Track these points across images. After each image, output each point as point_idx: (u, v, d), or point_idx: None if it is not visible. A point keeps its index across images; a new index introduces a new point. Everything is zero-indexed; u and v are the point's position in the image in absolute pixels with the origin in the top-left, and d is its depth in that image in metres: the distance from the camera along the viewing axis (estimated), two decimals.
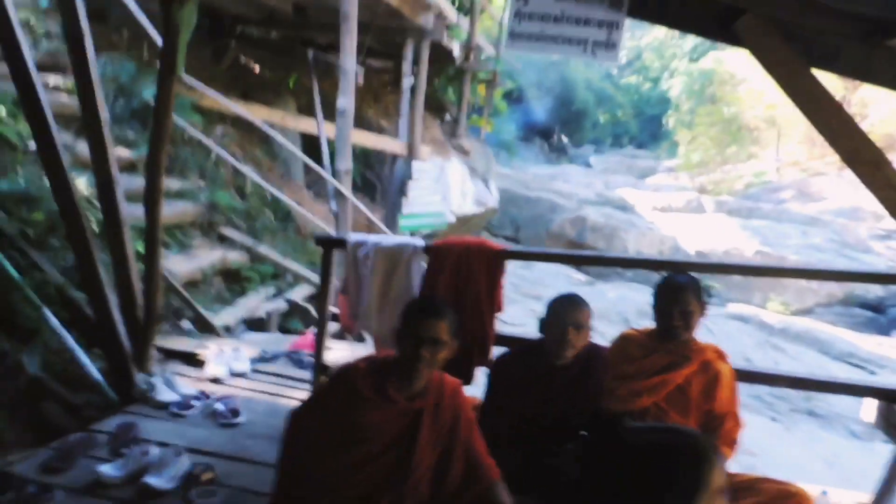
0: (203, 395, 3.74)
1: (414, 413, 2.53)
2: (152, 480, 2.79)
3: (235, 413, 3.56)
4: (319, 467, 2.50)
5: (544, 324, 2.90)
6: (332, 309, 3.78)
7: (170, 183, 5.69)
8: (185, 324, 4.86)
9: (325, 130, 7.53)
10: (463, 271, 3.31)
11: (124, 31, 6.31)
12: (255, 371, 4.28)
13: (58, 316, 3.86)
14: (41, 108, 3.54)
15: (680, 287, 2.82)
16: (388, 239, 3.38)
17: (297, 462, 2.55)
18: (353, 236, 3.39)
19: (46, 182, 4.01)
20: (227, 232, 6.00)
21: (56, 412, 3.67)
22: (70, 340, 3.81)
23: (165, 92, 3.45)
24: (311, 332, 4.92)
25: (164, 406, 3.59)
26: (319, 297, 3.49)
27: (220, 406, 3.60)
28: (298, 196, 7.54)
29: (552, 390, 2.95)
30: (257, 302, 5.61)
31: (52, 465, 2.88)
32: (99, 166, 3.74)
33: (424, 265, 3.32)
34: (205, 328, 4.86)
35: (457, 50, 9.67)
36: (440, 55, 9.59)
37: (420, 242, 3.34)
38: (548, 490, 2.79)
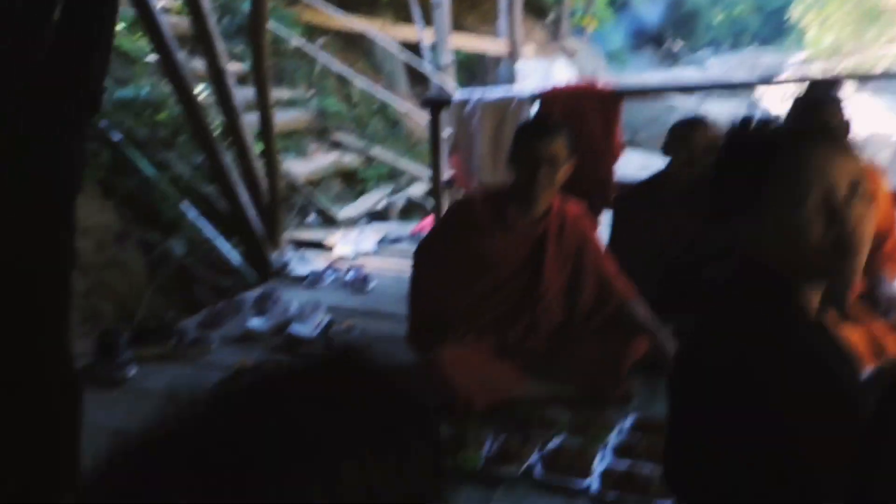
0: (334, 269, 3.91)
1: (537, 237, 2.52)
2: (297, 329, 2.97)
3: (366, 280, 3.71)
4: (449, 298, 2.56)
5: (669, 147, 2.79)
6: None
7: (279, 93, 5.85)
8: (311, 219, 5.07)
9: (425, 36, 7.47)
10: (575, 117, 3.22)
11: None
12: (380, 252, 4.42)
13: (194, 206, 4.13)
14: (157, 23, 3.72)
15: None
16: (493, 92, 3.33)
17: (428, 295, 2.62)
18: (458, 94, 3.37)
19: (166, 90, 4.30)
20: (340, 137, 6.15)
21: (205, 293, 3.96)
22: (209, 229, 4.08)
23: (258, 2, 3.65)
24: (430, 217, 5.00)
25: (299, 279, 3.80)
26: (432, 157, 3.52)
27: (351, 275, 3.76)
28: (403, 104, 7.58)
29: (682, 219, 2.84)
30: (376, 199, 5.75)
31: (206, 321, 3.13)
32: (214, 77, 3.94)
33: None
34: (329, 222, 5.06)
35: None
36: None
37: (526, 92, 3.27)
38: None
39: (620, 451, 2.08)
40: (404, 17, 8.44)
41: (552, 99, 3.22)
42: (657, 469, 1.92)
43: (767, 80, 8.94)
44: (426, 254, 2.66)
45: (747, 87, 10.24)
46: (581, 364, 2.45)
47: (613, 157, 3.23)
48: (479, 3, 9.97)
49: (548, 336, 2.54)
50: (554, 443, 2.11)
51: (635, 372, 2.45)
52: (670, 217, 2.73)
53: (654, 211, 2.81)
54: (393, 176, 6.31)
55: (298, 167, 5.41)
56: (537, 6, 10.65)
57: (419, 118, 7.53)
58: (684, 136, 2.71)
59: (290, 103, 6.02)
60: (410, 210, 5.95)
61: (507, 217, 2.48)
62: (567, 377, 2.45)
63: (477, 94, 3.29)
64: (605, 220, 3.10)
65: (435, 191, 3.56)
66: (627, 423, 2.23)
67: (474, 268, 2.53)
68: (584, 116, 3.16)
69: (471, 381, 2.31)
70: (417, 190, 6.15)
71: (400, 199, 5.77)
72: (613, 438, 2.14)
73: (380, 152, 6.26)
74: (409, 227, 5.08)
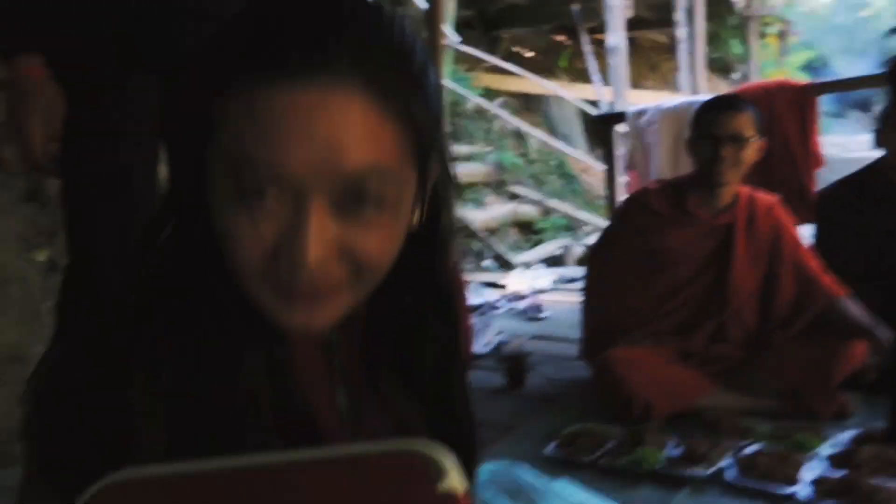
0: (508, 300, 3.84)
1: (723, 230, 2.28)
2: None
3: (539, 309, 3.59)
4: (625, 302, 2.38)
5: (881, 135, 2.44)
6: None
7: (459, 148, 6.07)
8: (487, 263, 5.08)
9: (603, 95, 7.46)
10: (765, 118, 2.95)
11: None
12: (556, 288, 4.30)
13: None
14: None
15: None
16: (670, 101, 3.17)
17: (602, 300, 2.45)
18: (633, 106, 3.25)
19: None
20: (517, 189, 6.20)
21: None
22: None
23: (436, 60, 3.89)
24: None
25: (473, 308, 3.77)
26: (607, 176, 3.39)
27: (524, 305, 3.67)
28: (581, 161, 7.53)
29: None
30: (552, 247, 5.68)
31: None
32: None
33: None
34: (504, 266, 5.04)
35: None
36: (716, 4, 8.96)
37: (707, 96, 3.07)
38: None
39: (837, 461, 1.74)
40: (582, 77, 8.52)
41: None
42: (888, 481, 1.58)
43: None
44: (599, 256, 2.51)
45: None
46: (782, 375, 2.13)
47: (813, 162, 2.90)
48: (658, 62, 9.84)
49: (740, 343, 2.25)
50: (750, 449, 1.82)
51: (851, 384, 2.08)
52: (884, 213, 2.38)
53: (866, 206, 2.45)
54: (570, 228, 6.22)
55: (475, 216, 5.51)
56: (722, 64, 10.27)
57: (598, 175, 7.44)
58: None
59: (469, 158, 6.22)
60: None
61: (688, 207, 2.28)
62: (765, 389, 2.14)
63: (653, 104, 3.15)
64: (807, 232, 2.76)
65: (610, 209, 3.41)
66: (845, 436, 1.88)
67: (651, 267, 2.33)
68: (778, 117, 2.89)
69: (649, 385, 2.08)
70: (595, 239, 6.00)
71: (577, 247, 5.63)
72: (826, 449, 1.80)
73: (556, 203, 6.22)
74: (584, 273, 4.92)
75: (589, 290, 2.48)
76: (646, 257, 2.33)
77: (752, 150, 2.17)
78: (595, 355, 2.33)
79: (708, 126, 2.17)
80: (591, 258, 2.52)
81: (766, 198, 2.30)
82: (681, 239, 2.28)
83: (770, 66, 11.23)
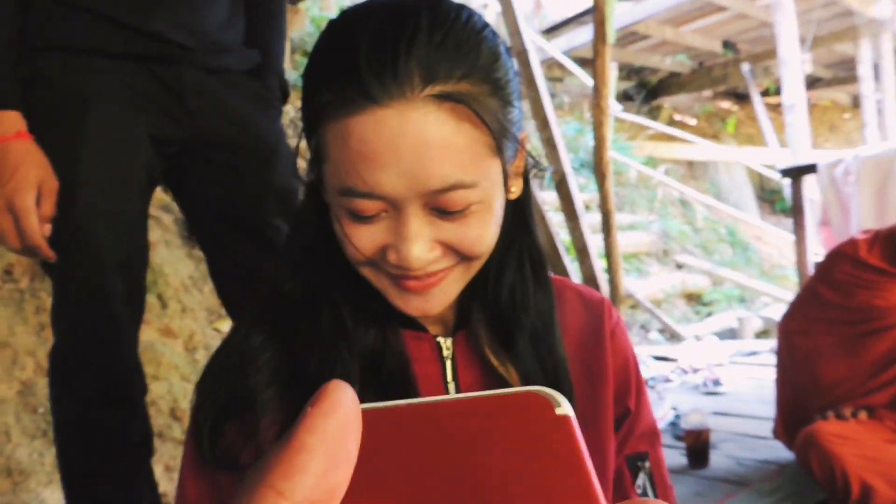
0: (682, 372, 3.54)
1: None
2: None
3: (717, 383, 3.26)
4: (832, 372, 2.07)
5: None
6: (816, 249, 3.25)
7: (621, 217, 5.87)
8: (654, 335, 4.77)
9: (781, 158, 6.98)
10: None
11: (565, 97, 7.00)
12: (734, 362, 3.91)
13: None
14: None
15: None
16: (872, 149, 2.84)
17: (802, 371, 2.16)
18: (826, 156, 2.94)
19: None
20: (684, 258, 5.86)
21: None
22: None
23: (600, 131, 3.87)
24: None
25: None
26: (797, 234, 3.07)
27: (700, 378, 3.35)
28: (753, 229, 7.02)
29: None
30: (726, 319, 5.24)
31: None
32: (565, 205, 4.21)
33: None
34: (673, 339, 4.70)
35: None
36: None
37: None
38: None
39: None
40: (751, 142, 8.07)
41: None
42: None
43: None
44: (796, 320, 2.22)
45: None
46: None
47: None
48: (838, 122, 9.12)
49: None
50: None
51: None
52: None
53: None
54: (744, 299, 5.75)
55: (640, 287, 5.24)
56: None
57: (773, 241, 6.89)
58: None
59: (631, 227, 5.99)
60: (767, 332, 5.27)
61: None
62: None
63: (850, 153, 2.84)
64: None
65: (801, 271, 3.07)
66: None
67: (862, 330, 2.02)
68: None
69: (867, 465, 1.77)
70: (776, 311, 5.47)
71: (754, 319, 5.15)
72: None
73: (728, 273, 5.78)
74: (767, 344, 4.46)
75: (784, 360, 2.20)
76: (856, 318, 2.03)
77: None
78: (794, 434, 2.04)
79: None
80: (787, 322, 2.23)
81: None
82: None
83: None
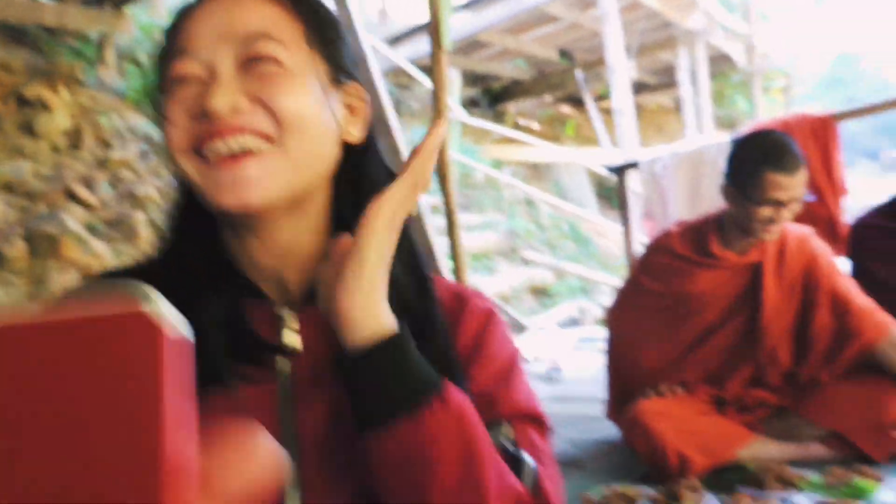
0: (524, 363, 3.67)
1: (751, 269, 2.13)
2: None
3: (558, 370, 3.42)
4: (652, 353, 2.21)
5: None
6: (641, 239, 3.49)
7: (470, 218, 6.02)
8: None
9: (612, 157, 7.45)
10: None
11: (415, 103, 7.08)
12: (577, 349, 4.12)
13: None
14: None
15: None
16: (686, 145, 3.09)
17: (627, 354, 2.29)
18: (646, 154, 3.17)
19: None
20: (530, 255, 6.10)
21: None
22: None
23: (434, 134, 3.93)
24: None
25: None
26: (624, 228, 3.27)
27: (542, 367, 3.49)
28: (594, 224, 7.45)
29: None
30: (568, 309, 5.51)
31: None
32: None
33: None
34: (519, 331, 4.87)
35: (737, 53, 9.04)
36: (718, 64, 9.07)
37: (726, 138, 2.99)
38: None
39: None
40: (589, 143, 8.55)
41: None
42: None
43: None
44: (620, 308, 2.36)
45: None
46: (829, 417, 1.95)
47: (839, 192, 2.78)
48: (664, 123, 9.89)
49: (778, 387, 2.07)
50: (801, 501, 1.62)
51: None
52: None
53: None
54: (586, 291, 6.08)
55: (488, 284, 5.38)
56: (728, 120, 10.30)
57: (611, 235, 7.34)
58: None
59: (481, 227, 6.15)
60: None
61: (712, 249, 2.13)
62: (811, 435, 1.96)
63: (667, 150, 3.06)
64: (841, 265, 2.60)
65: (629, 261, 3.28)
66: None
67: (677, 314, 2.18)
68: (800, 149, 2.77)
69: (684, 437, 1.91)
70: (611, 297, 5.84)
71: (594, 307, 5.46)
72: (886, 494, 1.60)
73: (570, 266, 6.09)
74: (603, 332, 4.74)
75: (612, 345, 2.33)
76: (671, 304, 2.18)
77: (797, 209, 2.00)
78: (622, 412, 2.16)
79: (761, 185, 1.90)
80: (613, 311, 2.37)
81: (796, 230, 2.15)
82: (706, 282, 2.13)
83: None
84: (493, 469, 0.58)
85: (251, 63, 0.61)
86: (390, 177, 0.69)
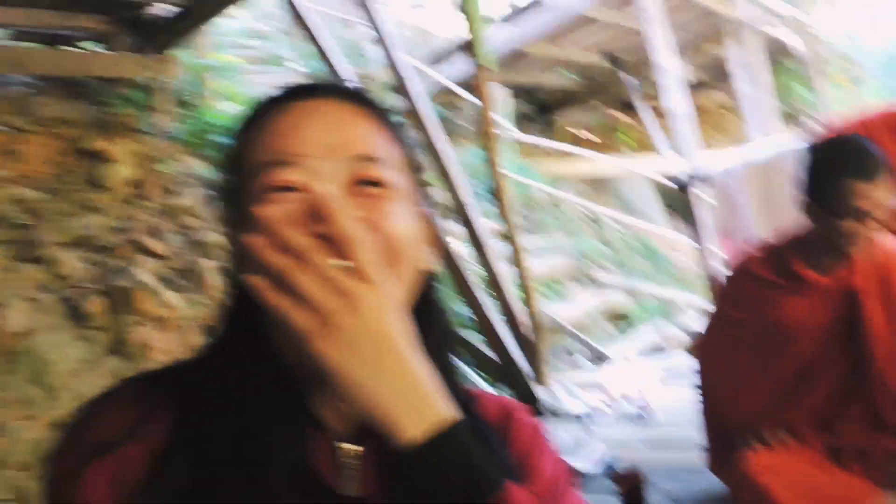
0: (611, 402, 3.47)
1: (845, 293, 1.89)
2: (574, 463, 2.56)
3: (648, 410, 3.20)
4: (749, 392, 2.01)
5: None
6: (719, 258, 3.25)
7: (535, 241, 5.84)
8: (580, 359, 4.72)
9: (674, 163, 7.15)
10: None
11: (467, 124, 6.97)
12: (663, 383, 3.88)
13: (459, 357, 4.05)
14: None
15: None
16: (756, 151, 2.86)
17: (720, 397, 2.10)
18: (713, 161, 2.96)
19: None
20: (601, 277, 5.87)
21: None
22: (473, 376, 3.96)
23: (490, 158, 3.96)
24: None
25: (571, 415, 3.41)
26: (698, 246, 3.06)
27: (631, 407, 3.29)
28: (665, 238, 7.14)
29: None
30: (650, 335, 5.26)
31: None
32: (471, 236, 4.15)
33: None
34: (600, 360, 4.66)
35: (793, 40, 8.60)
36: (774, 54, 8.65)
37: (802, 140, 2.74)
38: None
39: None
40: (648, 149, 8.27)
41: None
42: None
43: None
44: (709, 343, 2.17)
45: None
46: None
47: None
48: (724, 122, 9.50)
49: None
50: None
51: None
52: None
53: None
54: (666, 312, 5.80)
55: (562, 310, 5.19)
56: (791, 113, 9.82)
57: (687, 249, 7.02)
58: None
59: (547, 250, 5.97)
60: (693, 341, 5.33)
61: (795, 270, 1.91)
62: None
63: (736, 158, 2.85)
64: None
65: (708, 282, 3.05)
66: None
67: (768, 346, 1.97)
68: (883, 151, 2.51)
69: (800, 497, 1.71)
70: (697, 320, 5.54)
71: (677, 331, 5.19)
72: None
73: (645, 286, 5.83)
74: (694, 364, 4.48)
75: (705, 385, 2.14)
76: (761, 335, 1.98)
77: (889, 216, 1.79)
78: (724, 465, 1.96)
79: (845, 198, 1.72)
80: (700, 348, 2.18)
81: (893, 244, 1.92)
82: (795, 308, 1.92)
83: (846, 108, 10.69)
84: None
85: (360, 185, 0.59)
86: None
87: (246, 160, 0.60)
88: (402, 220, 0.59)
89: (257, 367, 0.58)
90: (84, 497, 0.55)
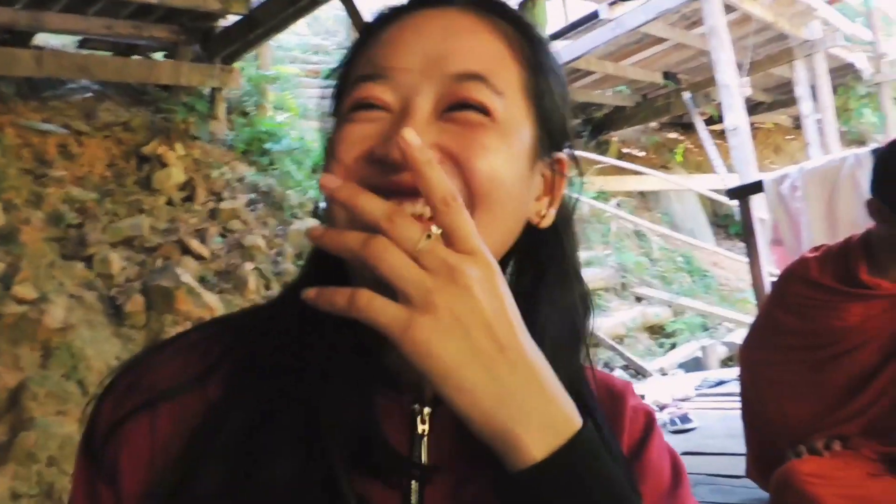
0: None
1: None
2: None
3: (685, 421, 3.07)
4: (796, 402, 1.89)
5: None
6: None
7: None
8: (618, 373, 4.59)
9: (728, 181, 6.97)
10: None
11: None
12: (700, 395, 3.73)
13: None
14: None
15: None
16: (814, 161, 2.73)
17: (768, 403, 1.98)
18: (771, 173, 2.83)
19: None
20: (643, 290, 5.73)
21: None
22: None
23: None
24: None
25: None
26: (750, 256, 2.93)
27: (667, 418, 3.16)
28: (710, 255, 6.95)
29: None
30: (689, 349, 5.09)
31: None
32: None
33: None
34: (638, 375, 4.52)
35: (861, 62, 8.32)
36: (840, 75, 8.39)
37: (864, 149, 2.61)
38: None
39: None
40: (701, 169, 8.08)
41: None
42: None
43: None
44: (754, 348, 2.05)
45: None
46: None
47: None
48: (782, 143, 9.24)
49: None
50: None
51: None
52: None
53: None
54: (707, 327, 5.62)
55: (601, 322, 5.08)
56: (856, 135, 9.52)
57: (730, 266, 6.82)
58: None
59: (589, 263, 5.86)
60: (734, 358, 5.14)
61: (861, 277, 1.80)
62: None
63: (795, 168, 2.72)
64: None
65: (757, 293, 2.92)
66: None
67: (823, 354, 1.85)
68: None
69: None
70: (738, 336, 5.35)
71: (718, 346, 5.01)
72: None
73: (688, 302, 5.66)
74: (733, 372, 4.31)
75: (747, 392, 2.02)
76: (813, 342, 1.86)
77: None
78: (767, 472, 1.84)
79: None
80: (746, 352, 2.07)
81: None
82: (858, 316, 1.80)
83: None
84: None
85: (455, 108, 0.50)
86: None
87: (346, 75, 0.55)
88: (495, 159, 0.49)
89: (327, 316, 0.47)
90: (126, 445, 0.50)
